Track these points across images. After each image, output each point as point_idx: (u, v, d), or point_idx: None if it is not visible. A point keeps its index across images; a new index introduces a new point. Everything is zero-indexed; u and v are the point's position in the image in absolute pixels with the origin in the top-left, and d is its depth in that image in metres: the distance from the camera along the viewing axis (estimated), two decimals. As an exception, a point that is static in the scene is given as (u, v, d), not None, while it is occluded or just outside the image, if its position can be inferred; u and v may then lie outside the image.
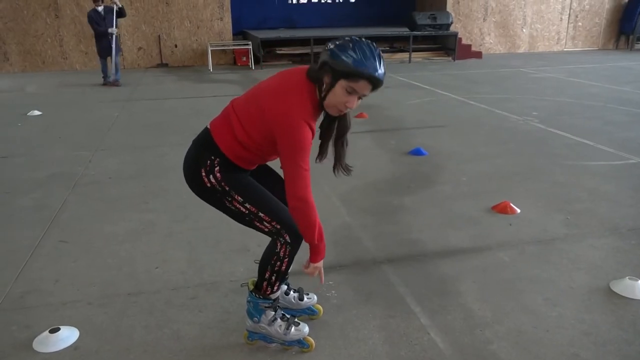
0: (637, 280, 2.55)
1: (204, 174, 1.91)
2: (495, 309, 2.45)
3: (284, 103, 1.81)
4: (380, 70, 1.77)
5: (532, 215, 3.53)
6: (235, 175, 1.95)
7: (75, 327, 2.32)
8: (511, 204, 3.59)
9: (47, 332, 2.24)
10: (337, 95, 1.80)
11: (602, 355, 2.11)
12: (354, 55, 1.74)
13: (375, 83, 1.78)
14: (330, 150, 2.03)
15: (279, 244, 1.98)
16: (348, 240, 3.22)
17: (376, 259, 2.97)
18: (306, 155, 1.82)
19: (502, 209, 3.57)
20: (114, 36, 9.09)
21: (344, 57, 1.74)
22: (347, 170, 2.05)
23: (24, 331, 2.32)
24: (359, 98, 1.83)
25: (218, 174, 1.90)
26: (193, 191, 2.00)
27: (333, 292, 2.60)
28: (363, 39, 1.80)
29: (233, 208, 1.95)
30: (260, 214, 1.94)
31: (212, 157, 1.91)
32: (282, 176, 1.98)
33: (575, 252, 3.02)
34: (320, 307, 2.39)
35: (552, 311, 2.42)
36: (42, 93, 9.03)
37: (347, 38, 1.81)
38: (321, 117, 1.98)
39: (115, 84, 9.41)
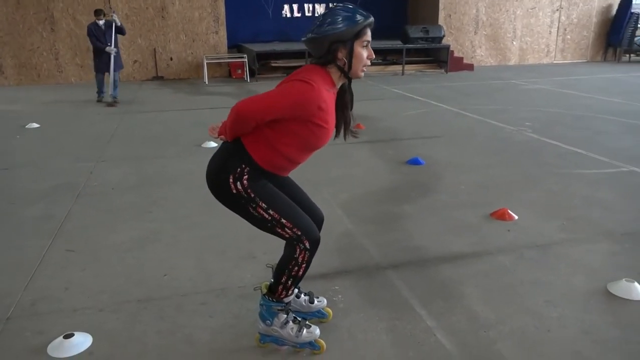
0: (634, 282, 2.64)
1: (231, 180, 1.97)
2: (498, 310, 2.52)
3: (299, 74, 1.98)
4: (367, 14, 1.98)
5: (529, 221, 3.63)
6: (261, 182, 2.02)
7: (88, 333, 2.36)
8: (509, 211, 3.68)
9: (61, 337, 2.28)
10: (360, 56, 1.99)
11: (603, 353, 2.19)
12: (345, 16, 1.93)
13: (372, 22, 1.99)
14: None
15: (298, 250, 2.04)
16: (352, 247, 3.29)
17: (380, 264, 3.04)
18: (282, 108, 1.90)
19: (500, 216, 3.66)
20: (112, 55, 8.94)
21: (343, 25, 1.92)
22: (355, 134, 2.23)
23: (37, 337, 2.36)
24: None
25: (245, 182, 1.97)
26: (215, 196, 2.06)
27: (340, 296, 2.66)
28: (328, 8, 2.02)
29: (256, 214, 2.02)
30: (283, 220, 2.01)
31: (243, 165, 1.98)
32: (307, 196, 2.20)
33: (572, 256, 3.11)
34: (329, 310, 2.46)
35: (553, 312, 2.50)
36: (39, 106, 9.03)
37: (319, 17, 1.98)
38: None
39: (113, 104, 9.04)
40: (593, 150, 5.41)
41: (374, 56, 2.05)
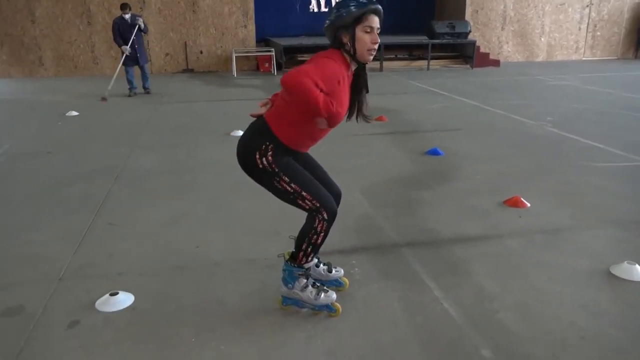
0: (635, 264, 2.80)
1: (257, 156, 2.22)
2: (503, 286, 2.72)
3: (322, 53, 2.21)
4: (372, 1, 2.15)
5: (541, 209, 3.79)
6: (284, 159, 2.26)
7: (130, 292, 2.65)
8: (522, 199, 3.85)
9: (107, 295, 2.58)
10: (363, 40, 2.17)
11: (597, 324, 2.37)
12: (345, 4, 2.15)
13: (375, 10, 2.16)
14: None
15: (317, 220, 2.28)
16: (370, 228, 3.52)
17: (396, 243, 3.26)
18: (321, 74, 2.06)
19: (513, 203, 3.83)
20: (135, 47, 9.21)
21: (342, 13, 2.15)
22: (367, 118, 2.42)
23: (86, 295, 2.66)
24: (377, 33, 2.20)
25: (270, 157, 2.22)
26: (244, 169, 2.31)
27: (356, 269, 2.90)
28: None
29: (280, 187, 2.26)
30: (304, 193, 2.25)
31: (267, 143, 2.22)
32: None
33: (579, 241, 3.27)
34: (346, 279, 2.70)
35: (555, 288, 2.68)
36: (77, 96, 9.47)
37: (333, 5, 2.21)
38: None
39: (146, 92, 9.57)
40: (612, 145, 5.49)
41: (378, 40, 2.19)
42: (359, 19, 2.15)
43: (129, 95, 9.43)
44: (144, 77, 9.62)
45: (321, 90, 2.07)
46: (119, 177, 4.67)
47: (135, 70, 9.49)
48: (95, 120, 7.30)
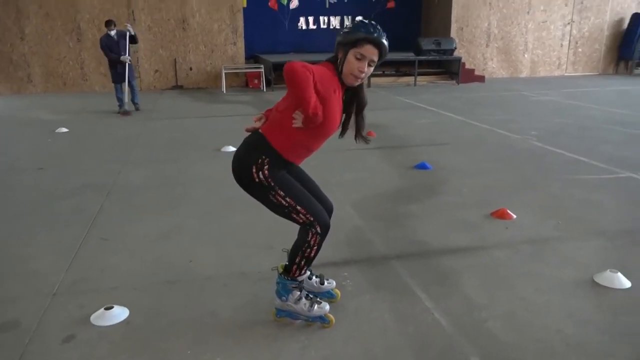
0: (617, 272, 2.88)
1: (254, 170, 2.28)
2: (491, 296, 2.78)
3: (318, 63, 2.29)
4: (377, 33, 2.21)
5: (526, 221, 3.88)
6: (280, 172, 2.32)
7: (124, 306, 2.67)
8: (508, 211, 3.94)
9: (102, 309, 2.60)
10: (350, 63, 2.24)
11: (583, 331, 2.44)
12: (352, 27, 2.26)
13: (376, 43, 2.21)
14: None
15: (310, 234, 2.34)
16: (360, 240, 3.58)
17: (386, 255, 3.32)
18: (319, 74, 2.14)
19: (499, 215, 3.92)
20: (127, 64, 9.16)
21: (346, 33, 2.25)
22: (366, 140, 2.47)
23: (80, 310, 2.67)
24: (370, 65, 2.26)
25: (266, 172, 2.27)
26: (239, 184, 2.36)
27: (348, 281, 2.95)
28: (365, 19, 2.32)
29: (275, 201, 2.32)
30: (298, 207, 2.31)
31: (263, 157, 2.28)
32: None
33: (564, 251, 3.35)
34: (338, 291, 2.74)
35: (541, 298, 2.75)
36: (67, 112, 9.46)
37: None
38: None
39: (128, 113, 9.23)
40: (594, 158, 5.64)
41: (364, 70, 2.23)
42: (356, 43, 2.21)
43: (118, 112, 9.40)
44: (133, 93, 9.61)
45: (317, 90, 2.14)
46: (111, 192, 4.69)
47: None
48: (85, 137, 7.31)
